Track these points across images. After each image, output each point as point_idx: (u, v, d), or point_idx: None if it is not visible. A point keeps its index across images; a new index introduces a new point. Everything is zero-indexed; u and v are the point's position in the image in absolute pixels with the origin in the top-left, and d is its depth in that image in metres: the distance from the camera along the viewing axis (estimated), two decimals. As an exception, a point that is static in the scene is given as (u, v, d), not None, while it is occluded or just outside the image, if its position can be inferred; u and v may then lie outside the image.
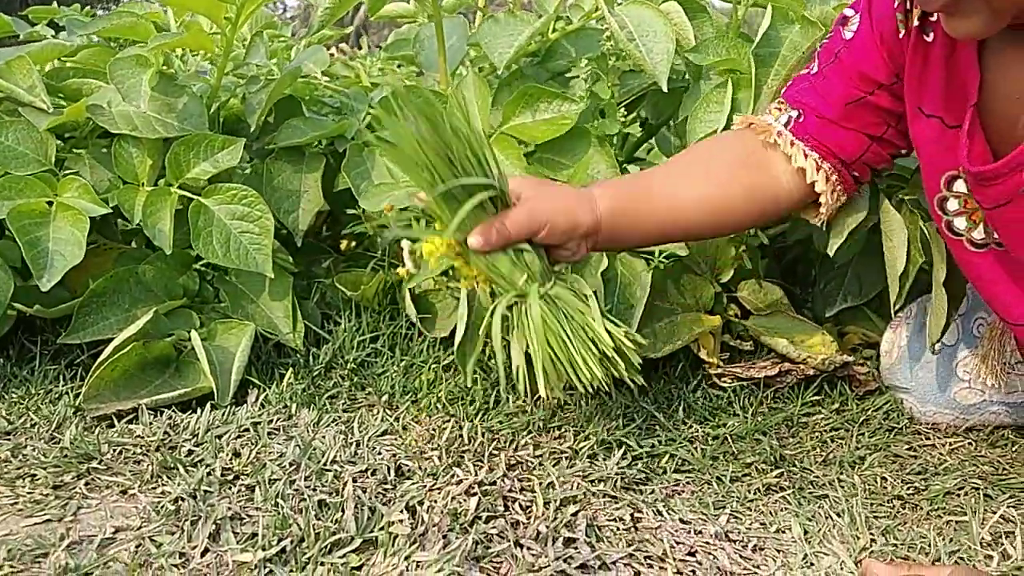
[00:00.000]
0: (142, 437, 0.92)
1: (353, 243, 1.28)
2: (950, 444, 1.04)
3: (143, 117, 1.13)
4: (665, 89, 1.04)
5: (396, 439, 0.95)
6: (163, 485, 0.83)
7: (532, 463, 0.92)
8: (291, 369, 1.10)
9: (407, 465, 0.89)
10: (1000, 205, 0.70)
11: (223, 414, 0.98)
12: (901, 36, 0.75)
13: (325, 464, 0.86)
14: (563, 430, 1.00)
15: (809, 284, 1.32)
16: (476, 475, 0.87)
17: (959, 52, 0.69)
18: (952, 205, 0.77)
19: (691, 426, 1.05)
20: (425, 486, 0.84)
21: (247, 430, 0.94)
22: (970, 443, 1.05)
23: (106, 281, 1.10)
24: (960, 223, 0.79)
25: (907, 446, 1.04)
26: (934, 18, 0.71)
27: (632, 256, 1.13)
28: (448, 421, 0.99)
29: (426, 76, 1.42)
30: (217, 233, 1.11)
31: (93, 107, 1.12)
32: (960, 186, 0.75)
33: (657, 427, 1.03)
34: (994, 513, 0.90)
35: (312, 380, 1.09)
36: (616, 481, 0.90)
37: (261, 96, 1.22)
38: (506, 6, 1.28)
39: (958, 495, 0.94)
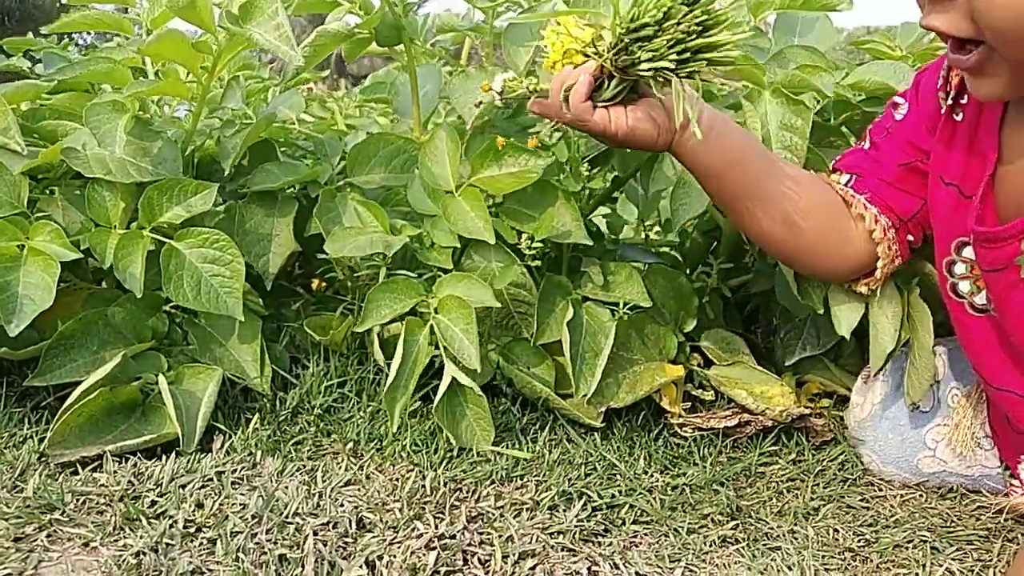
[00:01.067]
0: (106, 486, 0.93)
1: (324, 285, 1.29)
2: (901, 496, 1.07)
3: (118, 161, 1.15)
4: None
5: (359, 489, 0.96)
6: (125, 538, 0.84)
7: (493, 515, 0.94)
8: (258, 414, 1.11)
9: (368, 517, 0.90)
10: (997, 269, 0.74)
11: (188, 462, 0.99)
12: (940, 109, 0.82)
13: (287, 516, 0.87)
14: (525, 479, 1.02)
15: (771, 333, 1.35)
16: (436, 528, 0.88)
17: (982, 128, 0.76)
18: (959, 269, 0.82)
19: (651, 475, 1.07)
20: (385, 540, 0.86)
21: (211, 480, 0.95)
22: (921, 495, 1.08)
23: (75, 323, 1.11)
24: (964, 286, 0.83)
25: (860, 497, 1.07)
26: (964, 100, 0.79)
27: (598, 307, 1.16)
28: (412, 470, 1.01)
29: (400, 122, 1.45)
30: (188, 276, 1.12)
31: (68, 150, 1.13)
32: (968, 252, 0.80)
33: (618, 476, 1.06)
34: (940, 566, 0.92)
35: (278, 425, 1.10)
36: (575, 533, 0.92)
37: (236, 141, 1.24)
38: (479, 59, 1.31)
39: (907, 548, 0.96)
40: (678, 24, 0.77)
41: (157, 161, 1.16)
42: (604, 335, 1.12)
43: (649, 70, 0.80)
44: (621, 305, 1.14)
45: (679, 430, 1.15)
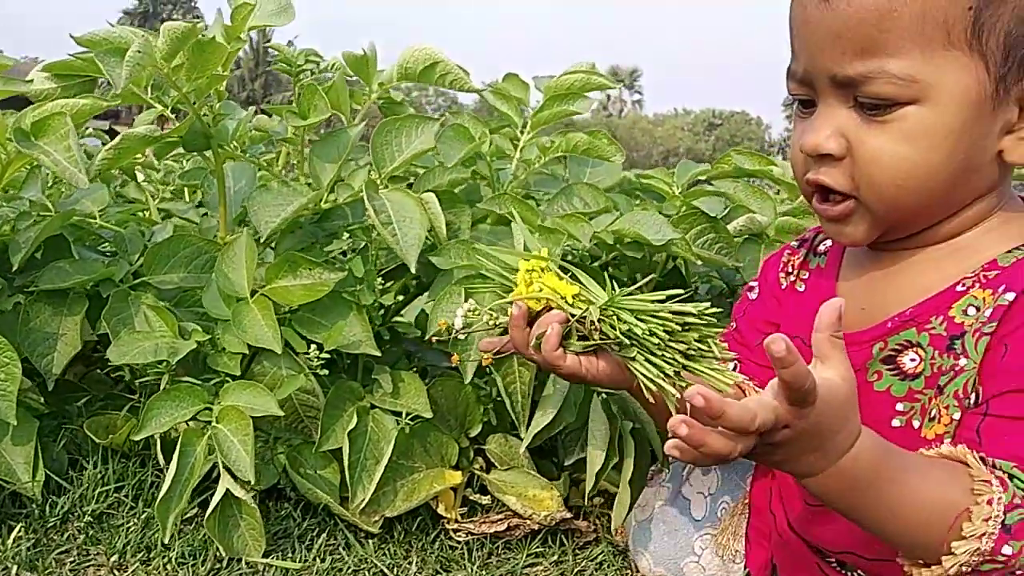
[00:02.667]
0: None
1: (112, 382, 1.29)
2: (651, 596, 1.18)
3: None
4: (413, 271, 1.16)
5: (116, 606, 0.97)
6: None
7: (252, 628, 0.97)
8: (24, 522, 1.08)
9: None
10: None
11: (-67, 577, 0.96)
12: (781, 287, 0.94)
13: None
14: (293, 589, 1.05)
15: (555, 435, 1.45)
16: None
17: (821, 284, 0.87)
18: None
19: (422, 580, 1.13)
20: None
21: (-46, 599, 0.92)
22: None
23: None
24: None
25: (613, 598, 1.17)
26: (805, 277, 0.91)
27: (385, 414, 1.22)
28: (176, 584, 1.02)
29: (209, 216, 1.47)
30: (-40, 376, 1.09)
31: None
32: None
33: (387, 583, 1.11)
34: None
35: (45, 533, 1.08)
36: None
37: (29, 235, 1.23)
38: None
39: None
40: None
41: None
42: (387, 443, 1.18)
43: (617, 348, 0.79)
44: (404, 415, 1.20)
45: (453, 535, 1.22)
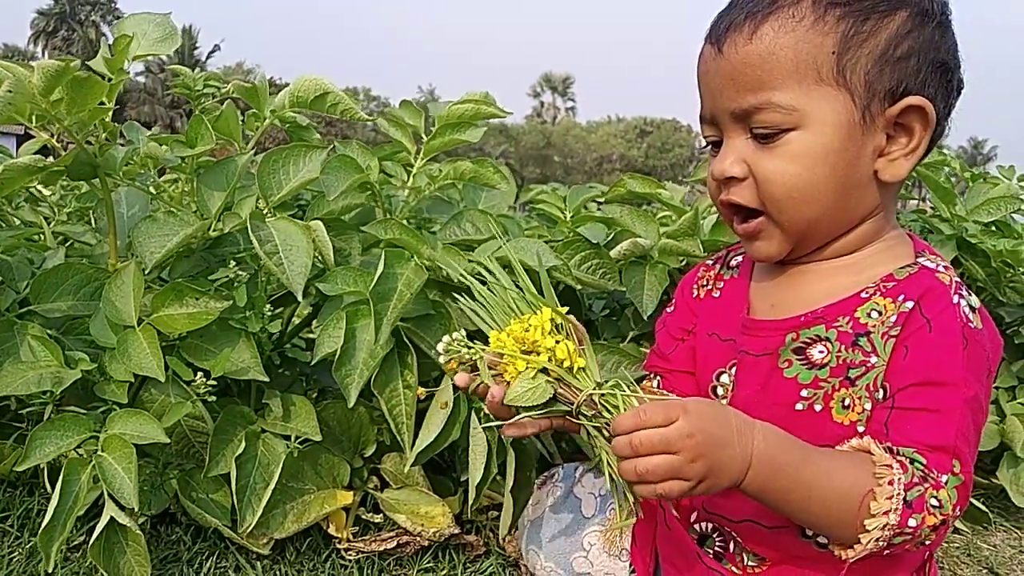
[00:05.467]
0: None
1: None
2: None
3: None
4: (300, 299, 1.19)
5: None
6: None
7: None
8: (-101, 557, 1.08)
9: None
10: (751, 354, 0.92)
11: None
12: (693, 297, 1.05)
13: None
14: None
15: (451, 451, 1.50)
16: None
17: (736, 287, 0.99)
18: (719, 391, 0.99)
19: (310, 600, 1.16)
20: None
21: None
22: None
23: None
24: (719, 393, 1.01)
25: (498, 608, 1.22)
26: (720, 286, 1.01)
27: (275, 437, 1.25)
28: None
29: (102, 242, 1.47)
30: None
31: None
32: (725, 379, 0.98)
33: (276, 603, 1.14)
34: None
35: (-78, 568, 1.07)
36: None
37: (-93, 264, 1.22)
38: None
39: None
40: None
41: None
42: (277, 466, 1.21)
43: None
44: (293, 438, 1.23)
45: (344, 554, 1.26)
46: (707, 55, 0.86)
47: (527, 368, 0.80)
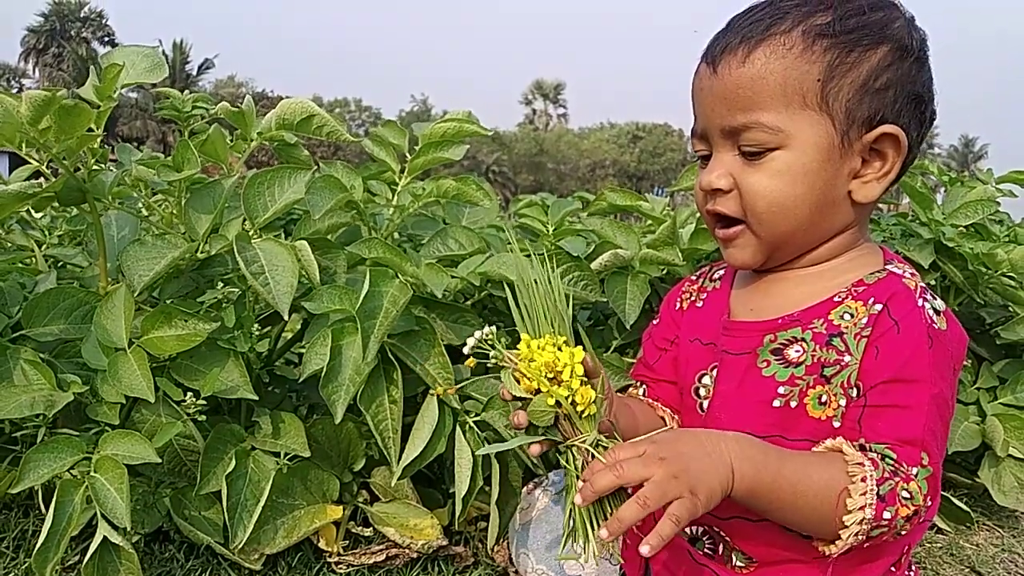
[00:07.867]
0: None
1: (-5, 434, 1.30)
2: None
3: None
4: (286, 318, 1.22)
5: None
6: None
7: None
8: None
9: None
10: (731, 353, 0.97)
11: None
12: (676, 309, 1.10)
13: None
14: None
15: (440, 464, 1.53)
16: None
17: (718, 296, 1.04)
18: (701, 392, 1.03)
19: (302, 614, 1.18)
20: None
21: None
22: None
23: None
24: (705, 404, 1.04)
25: (487, 618, 1.25)
26: (703, 296, 1.06)
27: (265, 454, 1.27)
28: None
29: (93, 265, 1.50)
30: None
31: None
32: (706, 380, 1.01)
33: (269, 618, 1.16)
34: None
35: (-81, 591, 1.09)
36: None
37: (-100, 291, 1.24)
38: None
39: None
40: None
41: None
42: (267, 482, 1.23)
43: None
44: (282, 455, 1.26)
45: (335, 568, 1.28)
46: (703, 74, 0.91)
47: (546, 394, 0.82)
